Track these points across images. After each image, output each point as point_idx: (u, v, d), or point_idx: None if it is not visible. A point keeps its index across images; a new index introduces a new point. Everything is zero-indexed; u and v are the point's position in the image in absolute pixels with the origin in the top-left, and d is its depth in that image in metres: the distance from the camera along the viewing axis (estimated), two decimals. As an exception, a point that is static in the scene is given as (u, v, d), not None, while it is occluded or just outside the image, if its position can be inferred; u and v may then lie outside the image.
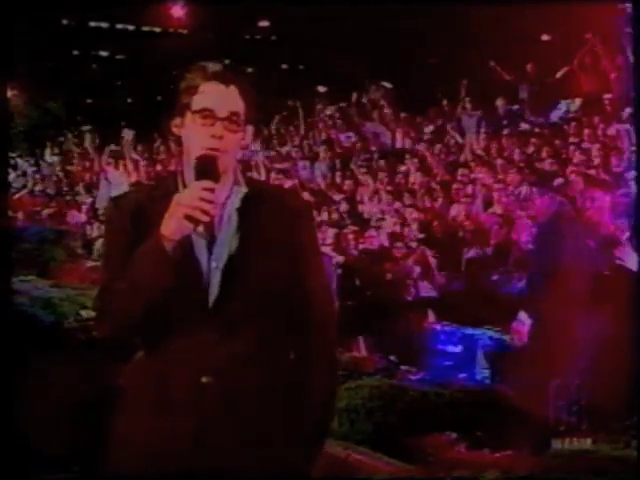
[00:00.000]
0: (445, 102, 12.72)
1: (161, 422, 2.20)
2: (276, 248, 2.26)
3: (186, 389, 2.19)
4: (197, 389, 2.18)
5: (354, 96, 13.52)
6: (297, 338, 2.31)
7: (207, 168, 2.17)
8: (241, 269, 2.22)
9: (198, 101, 2.22)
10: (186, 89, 2.25)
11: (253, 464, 2.21)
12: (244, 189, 2.28)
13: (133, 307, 2.18)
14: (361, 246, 8.85)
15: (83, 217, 12.26)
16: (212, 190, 2.14)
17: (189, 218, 2.12)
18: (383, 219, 9.62)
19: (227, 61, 2.27)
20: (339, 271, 7.93)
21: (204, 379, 2.18)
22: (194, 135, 2.23)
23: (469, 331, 6.79)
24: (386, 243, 8.82)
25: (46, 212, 12.12)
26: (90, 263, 7.52)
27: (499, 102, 12.04)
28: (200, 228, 2.18)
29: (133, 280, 2.17)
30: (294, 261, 2.27)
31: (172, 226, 2.13)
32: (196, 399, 2.18)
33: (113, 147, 13.39)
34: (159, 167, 13.76)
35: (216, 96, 2.22)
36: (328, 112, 13.84)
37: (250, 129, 2.30)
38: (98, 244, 9.56)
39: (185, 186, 2.24)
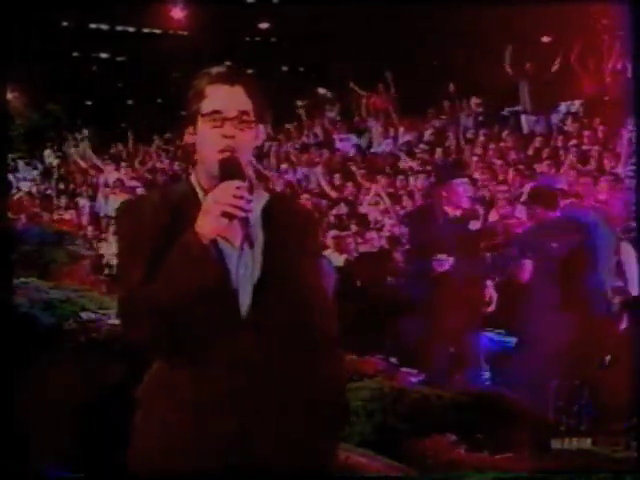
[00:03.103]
0: (446, 103, 12.73)
1: (196, 426, 2.21)
2: (294, 256, 2.30)
3: (221, 392, 2.20)
4: (232, 392, 2.20)
5: (355, 98, 13.54)
6: (305, 335, 2.32)
7: (232, 169, 2.21)
8: (272, 281, 2.26)
9: (206, 105, 2.25)
10: (193, 96, 2.28)
11: (284, 461, 2.24)
12: (264, 195, 2.34)
13: (170, 303, 2.17)
14: (361, 248, 8.84)
15: (84, 219, 12.27)
16: (244, 188, 2.17)
17: (225, 214, 2.15)
18: (383, 221, 9.61)
19: (229, 63, 2.31)
20: (339, 273, 7.91)
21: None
22: (206, 138, 2.25)
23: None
24: (386, 245, 8.81)
25: (46, 214, 12.11)
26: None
27: (500, 103, 12.07)
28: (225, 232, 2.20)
29: (171, 277, 2.17)
30: (303, 267, 2.32)
31: (208, 223, 2.17)
32: (231, 402, 2.20)
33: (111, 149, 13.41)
34: (159, 170, 13.77)
35: (223, 97, 2.25)
36: (329, 114, 13.85)
37: (262, 128, 2.34)
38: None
39: (204, 191, 2.26)
